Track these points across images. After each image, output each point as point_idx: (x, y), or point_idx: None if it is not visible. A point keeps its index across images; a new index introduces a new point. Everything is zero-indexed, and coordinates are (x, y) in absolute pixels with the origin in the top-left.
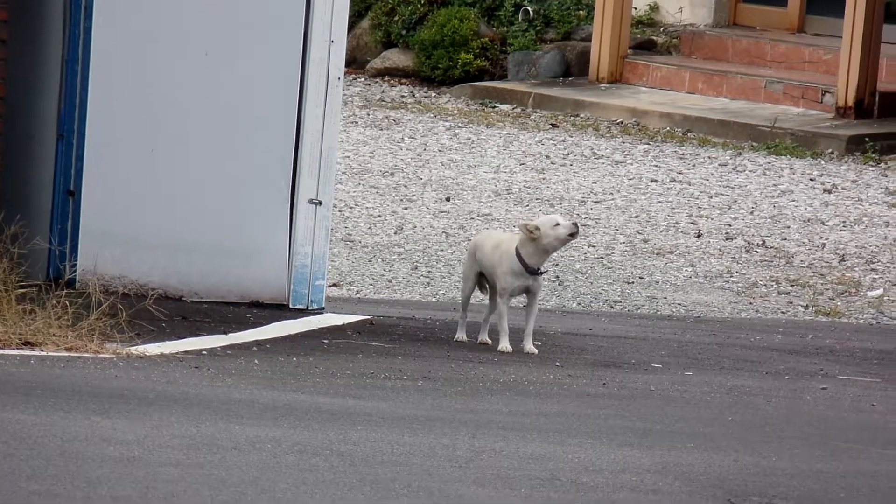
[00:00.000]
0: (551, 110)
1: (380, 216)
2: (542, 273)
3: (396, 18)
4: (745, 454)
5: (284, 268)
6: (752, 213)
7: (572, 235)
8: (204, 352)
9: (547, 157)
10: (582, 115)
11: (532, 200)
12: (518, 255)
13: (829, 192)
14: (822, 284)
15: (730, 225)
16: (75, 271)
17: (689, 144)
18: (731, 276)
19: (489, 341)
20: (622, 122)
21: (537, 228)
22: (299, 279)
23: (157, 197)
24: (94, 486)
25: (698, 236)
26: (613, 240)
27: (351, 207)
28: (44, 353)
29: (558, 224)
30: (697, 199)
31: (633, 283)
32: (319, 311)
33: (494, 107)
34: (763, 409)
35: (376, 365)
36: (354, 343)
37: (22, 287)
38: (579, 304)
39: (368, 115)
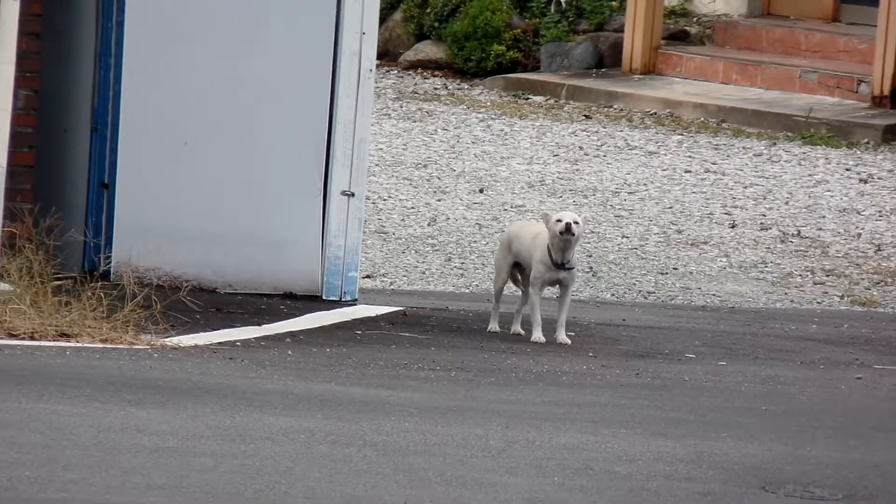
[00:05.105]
0: (584, 101)
1: (413, 208)
2: (568, 268)
3: (429, 10)
4: (779, 443)
5: (318, 259)
6: (787, 203)
7: (562, 234)
8: (238, 343)
9: (580, 148)
10: (615, 106)
11: (566, 192)
12: (548, 246)
13: (865, 181)
14: (857, 274)
15: (764, 215)
16: (110, 263)
17: (724, 135)
18: (766, 267)
19: (522, 332)
20: (656, 113)
21: (547, 221)
22: (332, 271)
23: (191, 189)
24: (130, 475)
25: (733, 227)
26: (647, 230)
27: (384, 199)
28: (79, 345)
29: (559, 220)
30: (732, 189)
31: (666, 273)
32: (353, 302)
33: (527, 98)
34: (798, 399)
35: (409, 356)
36: (388, 334)
37: (57, 279)
38: (613, 294)
39: (401, 107)
